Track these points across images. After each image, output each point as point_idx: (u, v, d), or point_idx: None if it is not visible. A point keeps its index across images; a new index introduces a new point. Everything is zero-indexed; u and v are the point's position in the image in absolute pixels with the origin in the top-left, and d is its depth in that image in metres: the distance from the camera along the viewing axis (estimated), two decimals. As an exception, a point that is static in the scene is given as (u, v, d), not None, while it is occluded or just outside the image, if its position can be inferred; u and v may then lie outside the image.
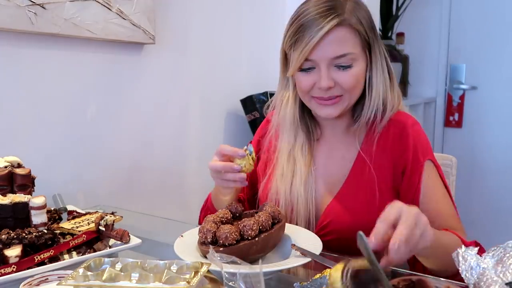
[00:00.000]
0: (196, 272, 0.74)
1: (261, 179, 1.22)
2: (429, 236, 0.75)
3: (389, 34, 3.10)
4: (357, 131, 1.13)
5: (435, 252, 0.88)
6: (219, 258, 0.74)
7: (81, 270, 0.74)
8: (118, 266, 0.77)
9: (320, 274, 0.73)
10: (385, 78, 1.10)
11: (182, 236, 0.99)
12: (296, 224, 1.11)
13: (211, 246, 0.85)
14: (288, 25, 1.07)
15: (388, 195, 1.08)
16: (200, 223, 1.26)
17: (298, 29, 1.03)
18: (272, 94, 1.95)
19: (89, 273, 0.74)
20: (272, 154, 1.21)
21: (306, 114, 1.17)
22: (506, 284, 0.58)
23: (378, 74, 1.09)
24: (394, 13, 3.12)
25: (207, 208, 1.22)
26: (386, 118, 1.11)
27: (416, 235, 0.72)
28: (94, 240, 0.99)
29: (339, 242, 1.06)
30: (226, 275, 0.70)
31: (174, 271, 0.76)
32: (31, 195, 1.05)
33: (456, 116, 3.38)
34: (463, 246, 0.64)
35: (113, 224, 1.01)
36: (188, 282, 0.70)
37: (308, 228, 1.09)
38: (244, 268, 0.70)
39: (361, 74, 1.07)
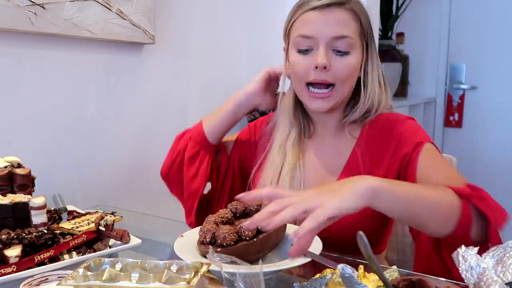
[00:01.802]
0: (196, 272, 0.74)
1: (253, 166, 1.24)
2: (330, 204, 0.78)
3: (389, 34, 3.10)
4: (348, 129, 1.14)
5: (402, 206, 0.85)
6: (218, 258, 0.74)
7: (81, 270, 0.74)
8: (118, 266, 0.77)
9: (320, 274, 0.72)
10: (379, 75, 1.12)
11: (182, 236, 0.99)
12: None
13: (210, 246, 0.85)
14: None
15: None
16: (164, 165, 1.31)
17: (300, 5, 1.07)
18: (271, 94, 1.96)
19: (89, 273, 0.73)
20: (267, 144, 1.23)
21: (300, 111, 1.19)
22: (506, 284, 0.58)
23: (374, 71, 1.10)
24: (394, 13, 3.12)
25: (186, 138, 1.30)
26: (373, 117, 1.12)
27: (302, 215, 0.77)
28: (94, 240, 0.98)
29: (330, 241, 1.05)
30: (226, 275, 0.70)
31: (174, 271, 0.76)
32: (31, 195, 1.05)
33: (456, 116, 3.38)
34: (463, 246, 0.64)
35: (113, 224, 1.01)
36: (188, 282, 0.70)
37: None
38: (243, 268, 0.70)
39: (355, 66, 1.07)
